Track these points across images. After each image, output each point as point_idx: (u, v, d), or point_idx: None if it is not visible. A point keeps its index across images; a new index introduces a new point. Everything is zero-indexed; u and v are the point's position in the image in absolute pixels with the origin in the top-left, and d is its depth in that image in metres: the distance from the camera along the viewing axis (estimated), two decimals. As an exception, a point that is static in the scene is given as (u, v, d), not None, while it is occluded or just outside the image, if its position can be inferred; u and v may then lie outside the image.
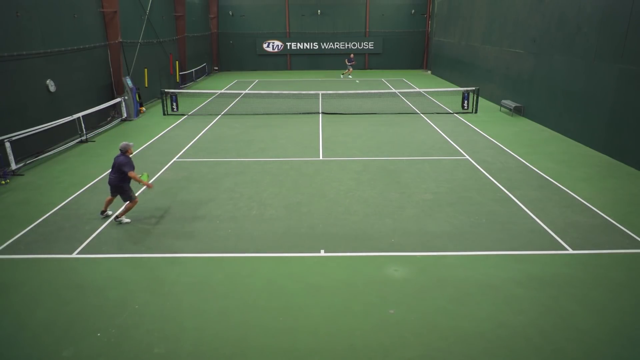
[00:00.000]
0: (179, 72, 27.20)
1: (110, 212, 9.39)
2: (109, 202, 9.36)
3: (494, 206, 9.71)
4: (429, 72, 35.33)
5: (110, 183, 8.89)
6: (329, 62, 37.58)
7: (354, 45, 37.23)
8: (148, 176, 9.21)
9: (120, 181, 8.78)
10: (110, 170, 9.00)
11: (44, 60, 14.16)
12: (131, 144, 9.01)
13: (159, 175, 11.85)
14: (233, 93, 25.02)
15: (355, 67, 37.47)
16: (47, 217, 9.38)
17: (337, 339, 5.76)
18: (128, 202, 9.00)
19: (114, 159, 8.84)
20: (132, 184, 9.09)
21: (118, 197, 9.17)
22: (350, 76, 32.60)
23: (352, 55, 32.92)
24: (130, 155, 8.95)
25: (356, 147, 14.33)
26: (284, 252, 7.90)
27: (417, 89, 25.56)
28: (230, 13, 36.68)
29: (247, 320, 6.15)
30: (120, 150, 8.88)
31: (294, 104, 21.54)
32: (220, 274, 7.28)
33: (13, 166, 11.83)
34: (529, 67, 18.18)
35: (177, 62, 26.95)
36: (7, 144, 11.68)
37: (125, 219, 9.06)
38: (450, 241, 8.23)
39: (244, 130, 16.81)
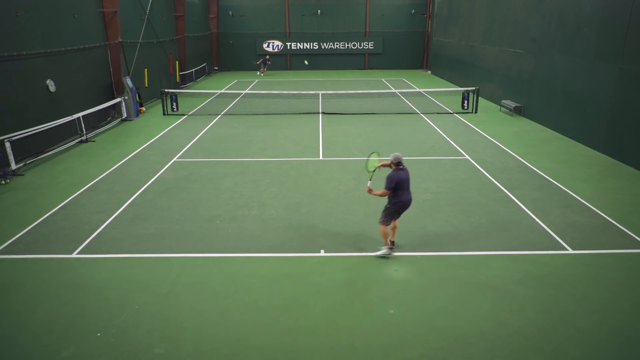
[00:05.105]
0: (179, 72, 27.20)
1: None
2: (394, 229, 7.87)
3: (494, 206, 9.71)
4: (429, 72, 35.33)
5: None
6: (329, 62, 37.59)
7: (354, 45, 37.24)
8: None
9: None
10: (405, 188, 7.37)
11: (44, 60, 14.16)
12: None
13: (159, 175, 11.86)
14: (233, 93, 25.03)
15: (355, 67, 37.57)
16: (47, 217, 9.38)
17: (337, 339, 5.76)
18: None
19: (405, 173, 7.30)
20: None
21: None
22: (262, 75, 33.81)
23: (267, 57, 34.71)
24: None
25: (356, 147, 14.33)
26: (284, 252, 7.90)
27: (417, 89, 25.57)
28: (230, 13, 36.68)
29: (247, 320, 6.15)
30: (393, 163, 7.33)
31: (294, 104, 21.53)
32: (220, 274, 7.28)
33: (13, 166, 11.83)
34: (529, 67, 18.17)
35: (177, 62, 26.95)
36: (7, 144, 11.68)
37: (382, 249, 7.70)
38: (450, 241, 8.23)
39: (244, 130, 16.80)
